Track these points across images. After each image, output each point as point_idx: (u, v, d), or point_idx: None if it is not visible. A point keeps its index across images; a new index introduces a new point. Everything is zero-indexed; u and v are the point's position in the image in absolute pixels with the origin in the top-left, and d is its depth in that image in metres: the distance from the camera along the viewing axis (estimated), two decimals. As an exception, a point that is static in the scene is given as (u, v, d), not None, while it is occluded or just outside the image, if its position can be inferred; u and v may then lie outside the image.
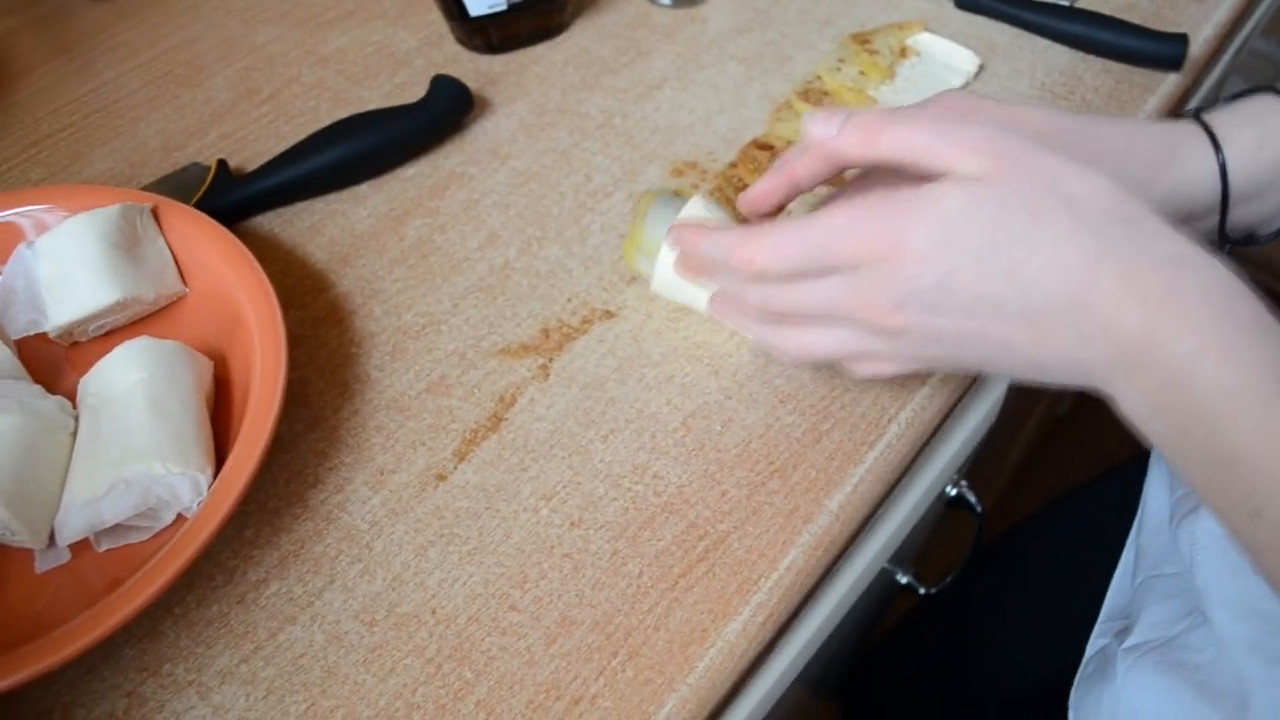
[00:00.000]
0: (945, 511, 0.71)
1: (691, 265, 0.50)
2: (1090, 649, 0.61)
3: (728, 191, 0.62)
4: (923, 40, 0.72)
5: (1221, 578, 0.53)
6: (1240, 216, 0.50)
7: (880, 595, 0.79)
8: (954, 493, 0.67)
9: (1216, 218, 0.50)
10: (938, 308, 0.41)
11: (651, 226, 0.54)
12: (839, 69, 0.69)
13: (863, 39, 0.71)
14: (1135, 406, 0.40)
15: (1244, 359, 0.36)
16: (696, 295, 0.53)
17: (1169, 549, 0.59)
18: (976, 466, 0.74)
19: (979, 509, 0.68)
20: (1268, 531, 0.36)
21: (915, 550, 0.80)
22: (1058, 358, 0.41)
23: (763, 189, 0.49)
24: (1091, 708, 0.57)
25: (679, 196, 0.55)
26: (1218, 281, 0.38)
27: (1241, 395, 0.36)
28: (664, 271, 0.53)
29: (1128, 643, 0.56)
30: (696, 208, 0.52)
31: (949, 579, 0.77)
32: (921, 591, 0.77)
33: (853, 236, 0.41)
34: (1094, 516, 0.75)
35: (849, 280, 0.42)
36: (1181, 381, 0.37)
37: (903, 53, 0.71)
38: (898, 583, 0.78)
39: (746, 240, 0.44)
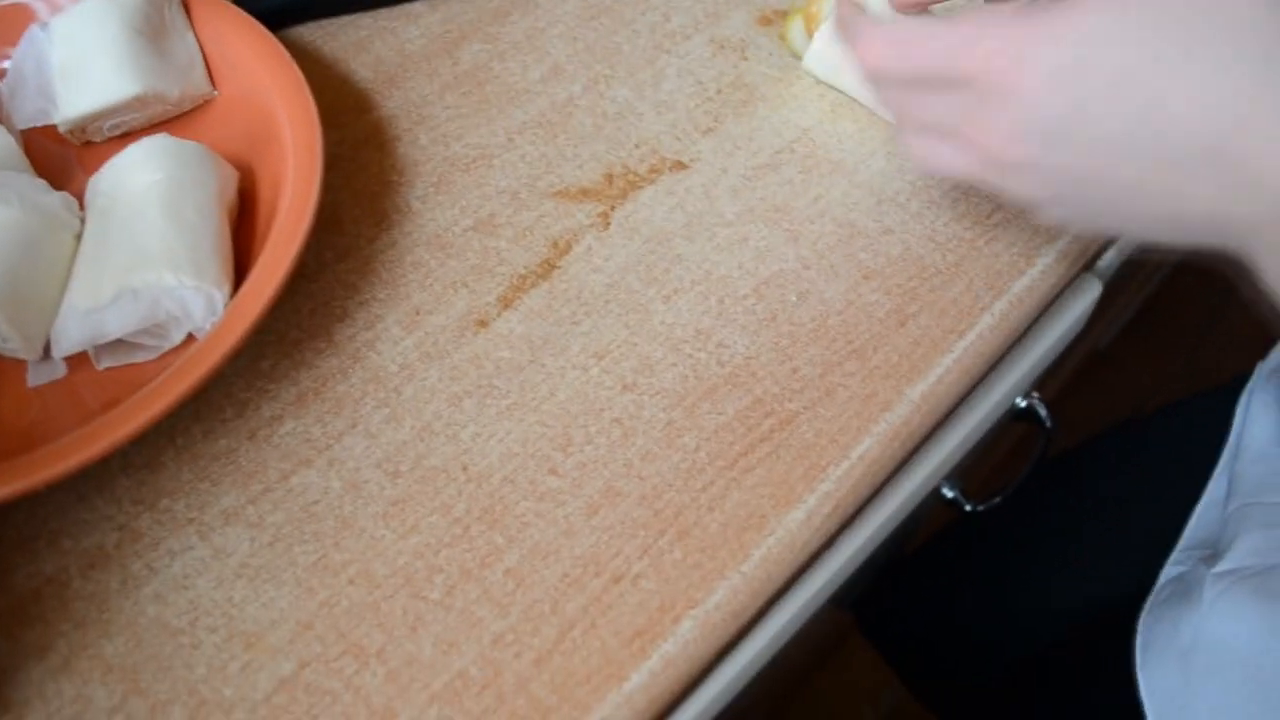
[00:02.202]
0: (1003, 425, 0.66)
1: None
2: (1164, 575, 0.56)
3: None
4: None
5: None
6: None
7: (917, 510, 0.75)
8: (1024, 404, 0.62)
9: None
10: (1060, 143, 0.35)
11: None
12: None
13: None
14: None
15: None
16: (850, 81, 0.51)
17: (1272, 476, 0.54)
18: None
19: (1049, 424, 0.63)
20: None
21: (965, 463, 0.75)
22: (1196, 210, 0.35)
23: None
24: (1166, 634, 0.52)
25: None
26: None
27: None
28: (820, 46, 0.51)
29: (1218, 568, 0.52)
30: None
31: (998, 499, 0.72)
32: (967, 509, 0.72)
33: (974, 49, 0.36)
34: (1166, 443, 0.70)
35: (966, 101, 0.37)
36: None
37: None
38: (942, 497, 0.73)
39: (868, 35, 0.39)
